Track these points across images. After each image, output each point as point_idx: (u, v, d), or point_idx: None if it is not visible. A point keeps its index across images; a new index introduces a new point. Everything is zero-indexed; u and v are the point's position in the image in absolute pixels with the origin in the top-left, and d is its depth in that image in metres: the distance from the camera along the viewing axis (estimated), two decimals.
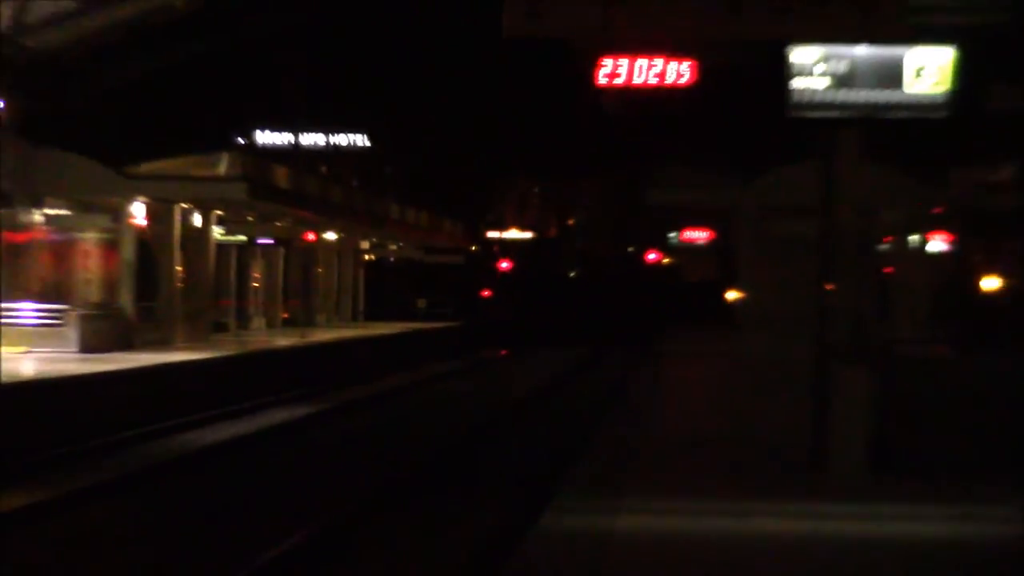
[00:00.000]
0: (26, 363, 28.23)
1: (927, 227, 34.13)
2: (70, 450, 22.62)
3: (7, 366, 26.85)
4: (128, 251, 35.33)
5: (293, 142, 69.09)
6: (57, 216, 33.94)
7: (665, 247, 69.80)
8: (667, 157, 45.57)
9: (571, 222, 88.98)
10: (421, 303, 70.88)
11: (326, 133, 70.57)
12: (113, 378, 27.28)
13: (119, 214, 34.77)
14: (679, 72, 12.51)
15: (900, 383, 16.56)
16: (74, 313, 32.21)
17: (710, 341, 41.93)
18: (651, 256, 77.43)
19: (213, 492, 19.93)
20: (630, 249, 79.60)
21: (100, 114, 38.78)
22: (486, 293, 76.31)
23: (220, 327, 42.29)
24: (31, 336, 31.18)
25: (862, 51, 12.61)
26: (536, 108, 68.37)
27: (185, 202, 37.76)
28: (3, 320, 30.77)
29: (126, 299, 35.15)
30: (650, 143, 52.66)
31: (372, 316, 61.87)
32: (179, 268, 37.91)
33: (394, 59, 68.99)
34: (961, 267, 40.69)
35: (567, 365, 47.83)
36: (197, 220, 39.15)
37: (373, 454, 24.74)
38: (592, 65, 12.40)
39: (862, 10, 11.16)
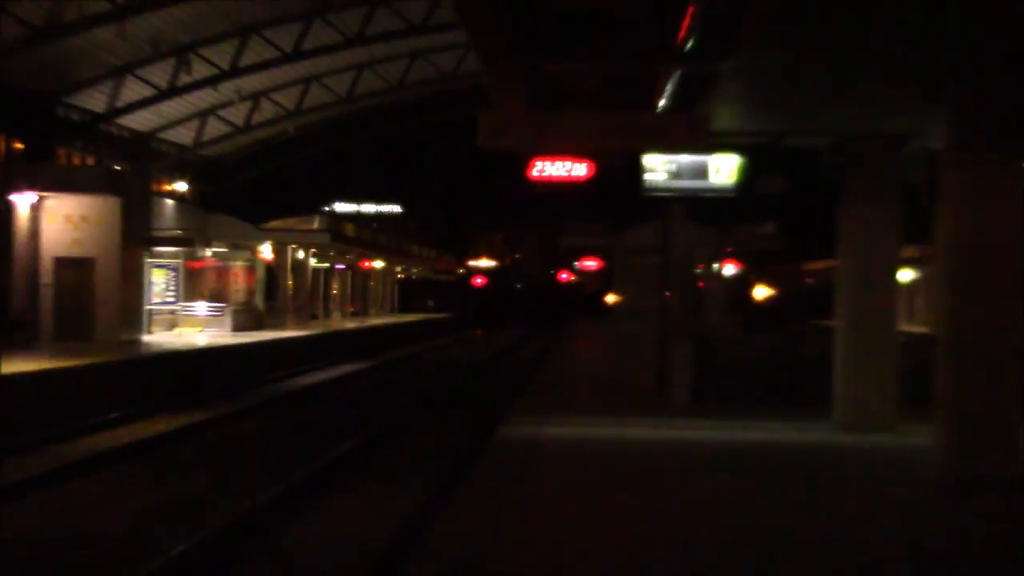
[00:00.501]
0: (201, 337, 27.94)
1: (723, 259, 34.14)
2: (227, 387, 22.41)
3: (190, 339, 26.63)
4: (260, 272, 35.33)
5: (357, 209, 69.36)
6: (219, 252, 33.67)
7: (572, 270, 69.62)
8: (573, 217, 45.53)
9: (518, 255, 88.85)
10: (431, 303, 70.63)
11: (376, 204, 71.14)
12: (254, 346, 27.04)
13: (255, 251, 34.61)
14: (580, 169, 12.46)
15: (708, 350, 16.61)
16: (229, 308, 31.94)
17: (597, 327, 42.09)
18: (563, 276, 77.14)
19: (318, 410, 19.60)
20: (551, 271, 79.43)
21: (244, 193, 38.94)
22: (468, 298, 76.01)
23: (313, 317, 41.95)
24: (203, 322, 30.83)
25: (685, 157, 12.62)
26: (497, 188, 68.56)
27: (293, 244, 37.50)
28: (187, 313, 30.71)
29: (259, 300, 35.04)
30: (562, 209, 52.67)
31: (402, 311, 61.63)
32: (290, 283, 37.64)
33: (417, 160, 69.60)
34: (743, 282, 40.89)
35: (515, 339, 47.62)
36: (300, 255, 38.86)
37: (410, 386, 24.57)
38: (528, 164, 12.37)
39: (686, 135, 11.15)
